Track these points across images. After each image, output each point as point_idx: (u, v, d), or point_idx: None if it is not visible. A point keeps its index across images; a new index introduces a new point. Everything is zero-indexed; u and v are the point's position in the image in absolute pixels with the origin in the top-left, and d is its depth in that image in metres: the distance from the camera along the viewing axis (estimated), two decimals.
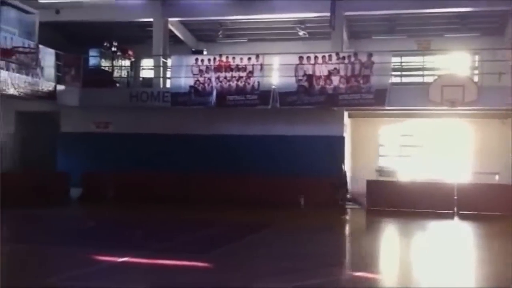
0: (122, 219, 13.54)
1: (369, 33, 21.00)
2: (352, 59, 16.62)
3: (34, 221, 12.75)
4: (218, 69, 17.47)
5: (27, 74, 15.86)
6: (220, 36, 21.51)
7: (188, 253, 8.44)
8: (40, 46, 14.24)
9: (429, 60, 20.78)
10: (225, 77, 17.39)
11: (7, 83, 15.14)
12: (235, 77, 17.32)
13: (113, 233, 11.23)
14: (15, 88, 15.43)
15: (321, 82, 16.74)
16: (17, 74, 15.47)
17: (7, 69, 15.07)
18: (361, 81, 16.43)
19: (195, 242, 9.80)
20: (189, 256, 8.12)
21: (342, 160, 16.97)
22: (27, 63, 13.73)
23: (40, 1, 18.52)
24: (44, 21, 15.95)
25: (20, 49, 12.80)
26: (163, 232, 11.11)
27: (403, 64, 19.57)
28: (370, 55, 16.49)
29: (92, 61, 20.46)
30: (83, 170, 18.05)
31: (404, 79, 19.86)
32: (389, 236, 12.95)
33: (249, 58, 17.31)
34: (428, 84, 16.58)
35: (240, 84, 17.26)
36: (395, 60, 18.00)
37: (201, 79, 17.53)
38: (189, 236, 10.43)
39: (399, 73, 19.50)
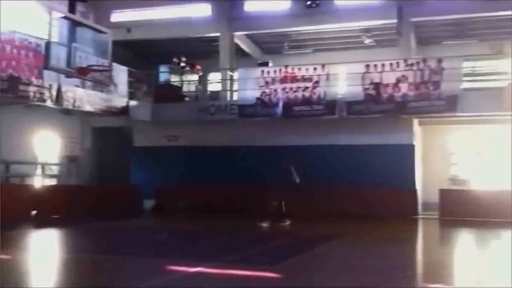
0: (193, 230, 13.81)
1: (438, 38, 20.51)
2: (421, 65, 16.29)
3: (109, 233, 13.22)
4: (284, 80, 17.57)
5: (101, 91, 16.61)
6: (286, 47, 21.67)
7: (260, 263, 8.50)
8: (113, 64, 14.83)
9: (502, 64, 20.02)
10: (291, 88, 17.47)
11: (83, 100, 15.89)
12: (301, 87, 17.37)
13: (186, 244, 11.47)
14: (90, 105, 16.17)
15: (389, 90, 16.49)
16: (93, 91, 16.22)
17: (83, 87, 15.84)
18: (431, 88, 16.07)
19: (266, 252, 9.85)
20: (261, 267, 8.18)
21: (412, 169, 16.61)
22: (102, 81, 14.34)
23: (113, 20, 19.38)
24: (117, 40, 16.62)
25: (95, 67, 13.36)
26: (234, 243, 11.25)
27: (474, 69, 18.96)
28: (439, 60, 16.11)
29: (162, 77, 21.17)
30: (155, 182, 18.58)
31: (476, 84, 19.20)
32: (464, 247, 12.50)
33: (315, 68, 17.31)
34: (501, 89, 15.95)
35: (306, 94, 17.28)
36: (466, 65, 17.46)
37: (267, 91, 17.68)
38: (260, 247, 10.50)
39: (470, 78, 18.88)
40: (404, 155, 16.96)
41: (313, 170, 17.20)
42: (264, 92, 17.73)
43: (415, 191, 17.02)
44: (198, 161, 18.70)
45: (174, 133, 19.37)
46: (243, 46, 21.49)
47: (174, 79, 21.77)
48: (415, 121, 17.48)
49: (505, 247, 11.78)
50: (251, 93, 17.86)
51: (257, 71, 18.21)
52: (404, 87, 16.37)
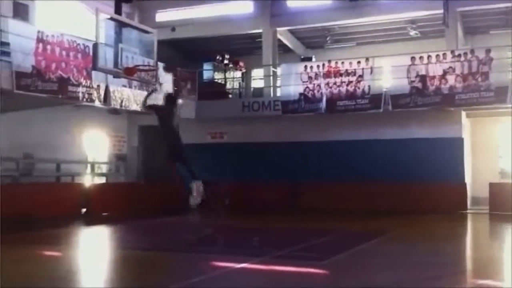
0: (238, 227, 13.92)
1: (485, 28, 19.96)
2: (469, 56, 15.89)
3: (156, 229, 13.48)
4: (327, 75, 17.46)
5: (147, 90, 16.87)
6: (329, 42, 21.52)
7: (306, 260, 8.50)
8: (159, 63, 15.08)
9: None
10: (335, 83, 17.34)
11: (130, 100, 16.22)
12: (344, 82, 17.21)
13: (231, 240, 11.59)
14: (137, 104, 16.47)
15: (436, 82, 16.16)
16: (139, 91, 16.52)
17: (130, 87, 16.16)
18: (479, 79, 15.65)
19: (312, 249, 9.83)
20: (307, 263, 8.18)
21: (461, 163, 16.25)
22: (148, 80, 14.59)
23: (157, 20, 19.69)
24: (161, 39, 16.87)
25: (141, 67, 13.61)
26: (279, 240, 11.28)
27: None
28: (488, 51, 15.68)
29: (206, 75, 21.36)
30: (201, 179, 18.76)
31: None
32: None
33: (359, 62, 17.13)
34: None
35: (350, 89, 17.12)
36: None
37: (310, 86, 17.61)
38: (305, 243, 10.49)
39: None
40: (452, 148, 16.60)
41: (358, 166, 17.07)
42: (307, 87, 17.67)
43: (464, 185, 16.64)
44: (242, 158, 18.80)
45: (219, 130, 19.54)
46: (286, 41, 21.46)
47: (218, 76, 21.95)
48: (463, 114, 17.08)
49: None
50: (294, 89, 17.83)
51: (300, 67, 18.16)
52: (451, 79, 16.01)
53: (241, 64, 21.96)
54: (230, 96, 21.29)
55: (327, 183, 17.27)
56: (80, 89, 14.49)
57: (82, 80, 14.53)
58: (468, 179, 17.04)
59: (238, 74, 22.23)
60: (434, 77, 16.20)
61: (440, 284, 6.81)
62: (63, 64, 14.08)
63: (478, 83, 15.69)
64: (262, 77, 21.06)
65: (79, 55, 14.52)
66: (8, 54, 12.91)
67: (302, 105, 17.66)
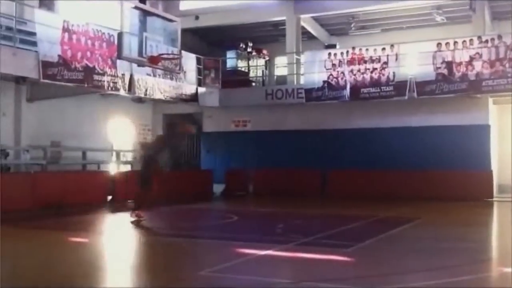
0: (263, 214, 13.98)
1: None
2: (496, 42, 15.62)
3: (182, 216, 13.62)
4: (351, 62, 17.35)
5: (171, 79, 17.02)
6: (353, 28, 21.33)
7: (330, 247, 8.51)
8: (182, 51, 15.13)
9: None
10: (359, 70, 17.22)
11: (154, 88, 16.34)
12: (369, 69, 17.08)
13: (255, 227, 11.66)
14: (161, 93, 16.61)
15: (462, 69, 15.94)
16: (163, 80, 16.65)
17: (154, 75, 16.28)
18: (507, 65, 15.38)
19: (337, 236, 9.85)
20: (331, 250, 8.19)
21: (488, 150, 16.05)
22: (172, 69, 14.68)
23: (181, 9, 19.73)
24: (185, 28, 16.94)
25: (165, 56, 13.68)
26: (304, 226, 11.31)
27: None
28: None
29: (230, 63, 21.38)
30: (224, 167, 18.91)
31: None
32: None
33: (383, 49, 16.97)
34: None
35: (375, 76, 16.99)
36: None
37: (334, 73, 17.53)
38: (331, 230, 10.50)
39: None
40: (479, 135, 16.39)
41: (384, 153, 16.99)
42: (331, 75, 17.58)
43: (490, 173, 16.43)
44: (266, 145, 18.84)
45: (243, 118, 19.60)
46: (310, 28, 21.33)
47: (241, 64, 21.95)
48: (490, 100, 16.81)
49: None
50: (318, 76, 17.75)
51: (324, 54, 18.05)
52: (478, 65, 15.76)
53: (265, 52, 21.91)
54: (253, 84, 21.29)
55: (354, 170, 17.26)
56: (105, 78, 14.65)
57: (107, 69, 14.68)
58: (494, 167, 16.82)
59: (261, 62, 22.18)
60: (460, 63, 15.97)
61: (467, 272, 6.77)
62: (89, 53, 14.24)
63: (505, 69, 15.42)
64: (286, 65, 20.99)
65: (104, 44, 14.66)
66: (34, 44, 13.12)
67: (326, 93, 17.59)
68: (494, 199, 16.21)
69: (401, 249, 8.55)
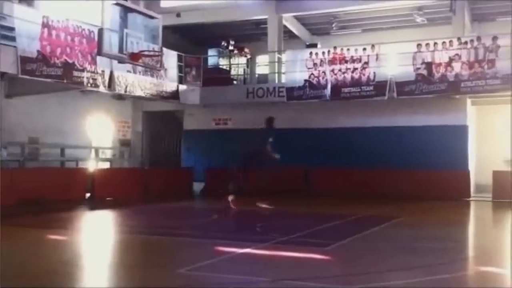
0: (243, 212, 13.97)
1: (493, 15, 19.81)
2: (475, 43, 15.81)
3: (162, 214, 13.55)
4: (332, 61, 17.42)
5: (152, 76, 16.91)
6: (334, 28, 21.42)
7: (310, 245, 8.53)
8: (164, 49, 15.04)
9: None
10: (340, 70, 17.30)
11: (135, 85, 16.24)
12: (350, 69, 17.18)
13: (234, 225, 11.64)
14: (141, 90, 16.51)
15: (441, 70, 16.12)
16: (143, 77, 16.55)
17: (134, 72, 16.17)
18: (486, 67, 15.58)
19: (316, 234, 9.87)
20: (310, 249, 8.21)
21: (465, 150, 16.23)
22: (152, 66, 14.58)
23: (162, 6, 19.61)
24: (167, 25, 16.82)
25: (146, 53, 13.59)
26: (284, 225, 11.33)
27: None
28: (495, 38, 15.61)
29: (211, 61, 21.32)
30: (205, 165, 18.85)
31: None
32: None
33: (364, 49, 17.08)
34: None
35: (355, 75, 17.09)
36: None
37: (315, 73, 17.59)
38: (311, 228, 10.52)
39: None
40: (457, 136, 16.60)
41: (365, 152, 17.12)
42: (312, 74, 17.64)
43: (468, 172, 16.64)
44: (247, 144, 18.79)
45: (224, 116, 19.56)
46: (291, 28, 21.37)
47: (223, 62, 21.91)
48: (468, 101, 17.03)
49: None
50: (299, 75, 17.80)
51: (306, 53, 18.11)
52: (457, 66, 15.95)
53: (246, 50, 21.90)
54: (234, 82, 21.26)
55: (336, 168, 17.34)
56: (85, 74, 14.51)
57: (87, 65, 14.54)
58: (472, 167, 17.03)
59: (243, 60, 22.18)
60: (440, 64, 16.14)
61: (444, 270, 6.84)
62: (68, 49, 14.09)
63: (484, 70, 15.63)
64: (267, 64, 21.01)
65: (84, 40, 14.52)
66: (13, 39, 12.92)
67: (307, 92, 17.65)
68: (471, 198, 16.42)
69: (380, 248, 8.60)
